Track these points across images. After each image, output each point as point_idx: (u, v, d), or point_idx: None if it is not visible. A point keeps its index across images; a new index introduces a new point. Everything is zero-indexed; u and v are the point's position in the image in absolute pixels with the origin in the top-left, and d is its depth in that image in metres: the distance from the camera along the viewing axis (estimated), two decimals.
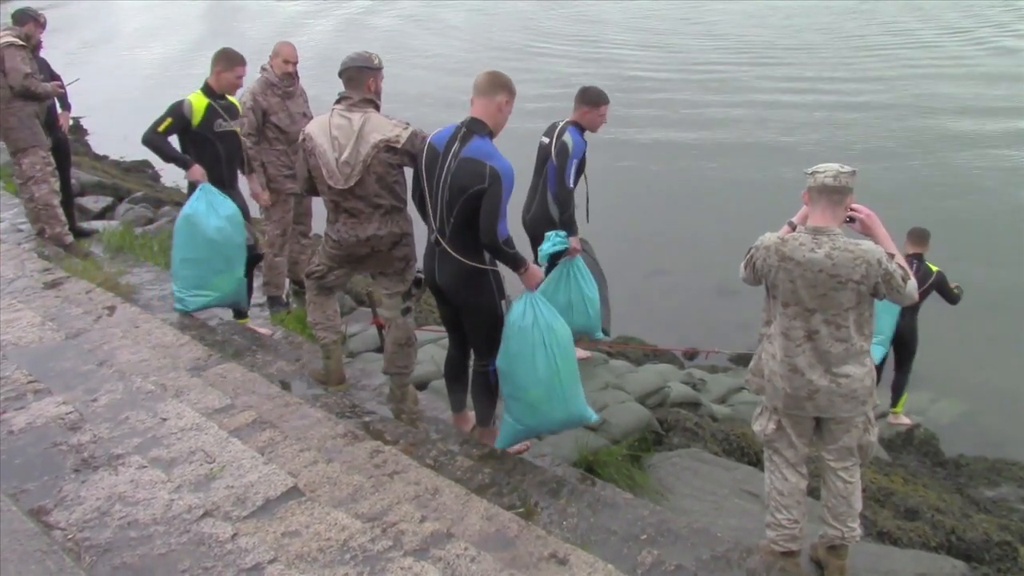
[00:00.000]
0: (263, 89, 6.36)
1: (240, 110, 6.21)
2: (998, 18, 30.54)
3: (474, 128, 4.24)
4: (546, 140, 6.04)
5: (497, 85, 4.29)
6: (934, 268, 7.63)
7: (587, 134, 5.99)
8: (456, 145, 4.23)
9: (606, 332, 6.72)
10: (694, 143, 18.63)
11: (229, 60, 5.93)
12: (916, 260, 7.40)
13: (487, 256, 4.40)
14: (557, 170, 5.87)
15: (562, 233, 5.71)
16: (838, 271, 3.60)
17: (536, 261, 5.19)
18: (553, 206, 6.02)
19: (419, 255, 4.86)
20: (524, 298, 4.43)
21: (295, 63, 6.55)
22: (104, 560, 2.83)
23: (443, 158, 4.27)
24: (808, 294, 3.65)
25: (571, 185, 5.87)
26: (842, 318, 3.68)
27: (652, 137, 18.80)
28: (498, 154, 4.20)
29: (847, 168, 3.71)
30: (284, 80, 6.45)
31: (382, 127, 4.59)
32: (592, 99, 5.94)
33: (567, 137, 5.88)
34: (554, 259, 5.87)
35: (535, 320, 4.35)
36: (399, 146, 4.57)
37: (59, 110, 7.95)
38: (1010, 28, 28.99)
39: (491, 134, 4.29)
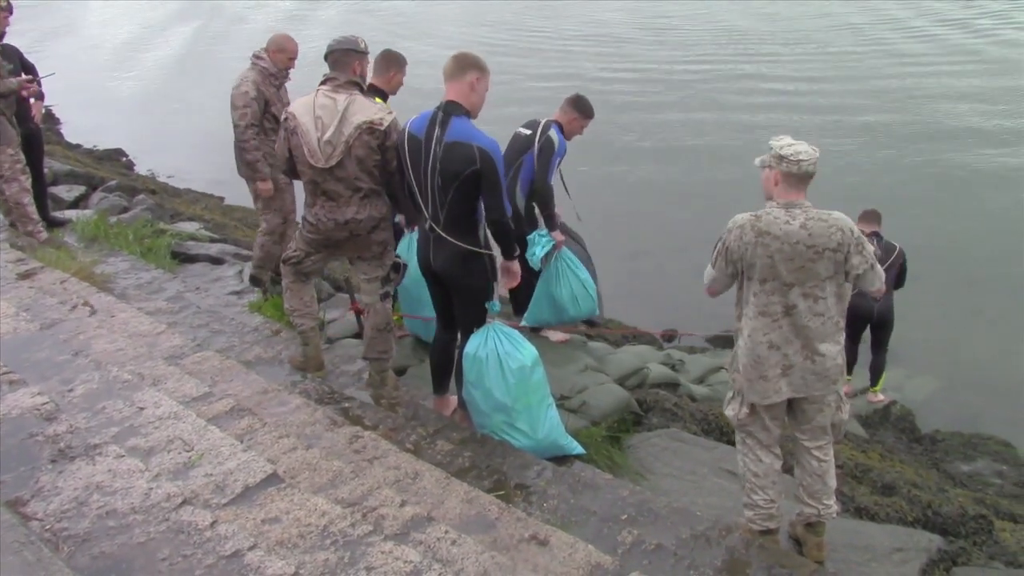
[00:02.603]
0: (263, 79, 6.30)
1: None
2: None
3: (451, 110, 4.24)
4: (527, 132, 6.09)
5: (464, 65, 4.28)
6: (896, 244, 7.71)
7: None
8: (437, 130, 4.22)
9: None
10: (673, 125, 18.67)
11: (400, 62, 5.82)
12: (875, 237, 7.46)
13: (482, 239, 4.43)
14: (539, 165, 5.94)
15: (544, 232, 5.86)
16: (814, 241, 3.63)
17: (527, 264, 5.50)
18: (520, 197, 6.10)
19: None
20: (484, 330, 4.53)
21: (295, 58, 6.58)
22: (83, 550, 2.82)
23: (426, 145, 4.25)
24: (786, 267, 3.66)
25: (551, 182, 5.98)
26: (820, 290, 3.70)
27: (631, 119, 18.80)
28: (480, 132, 4.22)
29: (815, 149, 3.76)
30: (282, 73, 6.41)
31: (366, 109, 4.59)
32: (584, 109, 6.11)
33: (552, 134, 5.98)
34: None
35: (494, 349, 4.45)
36: (382, 128, 4.56)
37: (31, 100, 7.79)
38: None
39: (468, 114, 4.28)
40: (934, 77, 21.37)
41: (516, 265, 4.65)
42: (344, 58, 4.71)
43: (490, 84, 4.42)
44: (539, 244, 6.02)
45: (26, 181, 7.26)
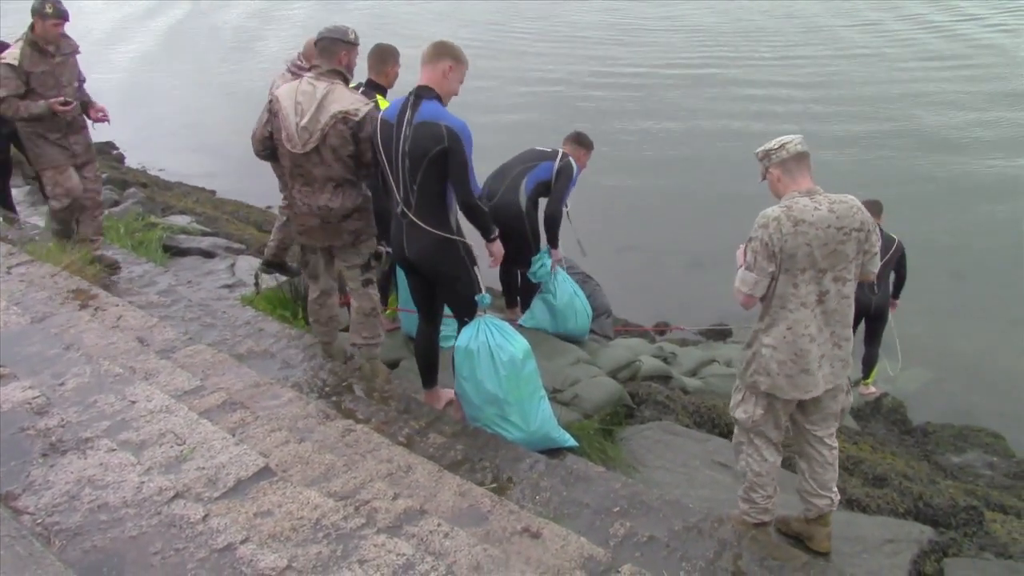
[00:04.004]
0: None
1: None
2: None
3: (422, 94, 4.30)
4: (547, 150, 6.53)
5: (440, 53, 4.33)
6: (895, 236, 7.73)
7: None
8: (408, 113, 4.27)
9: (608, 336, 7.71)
10: (665, 123, 18.74)
11: (394, 55, 5.75)
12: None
13: (454, 225, 4.43)
14: (556, 187, 6.33)
15: (544, 250, 6.37)
16: (843, 223, 3.65)
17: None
18: (524, 193, 6.37)
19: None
20: (475, 323, 4.55)
21: None
22: (74, 544, 2.81)
23: (397, 128, 4.30)
24: (820, 253, 3.65)
25: (565, 207, 6.37)
26: (847, 272, 3.72)
27: (626, 117, 18.89)
28: (448, 113, 4.26)
29: (796, 134, 3.84)
30: None
31: (343, 99, 4.61)
32: (588, 144, 6.66)
33: (572, 161, 6.41)
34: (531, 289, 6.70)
35: (485, 341, 4.48)
36: (356, 119, 4.58)
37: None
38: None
39: (439, 98, 4.32)
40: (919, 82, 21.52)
41: (498, 245, 4.66)
42: (331, 47, 4.74)
43: (465, 77, 4.46)
44: (538, 262, 6.46)
45: (63, 208, 6.67)
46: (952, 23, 28.99)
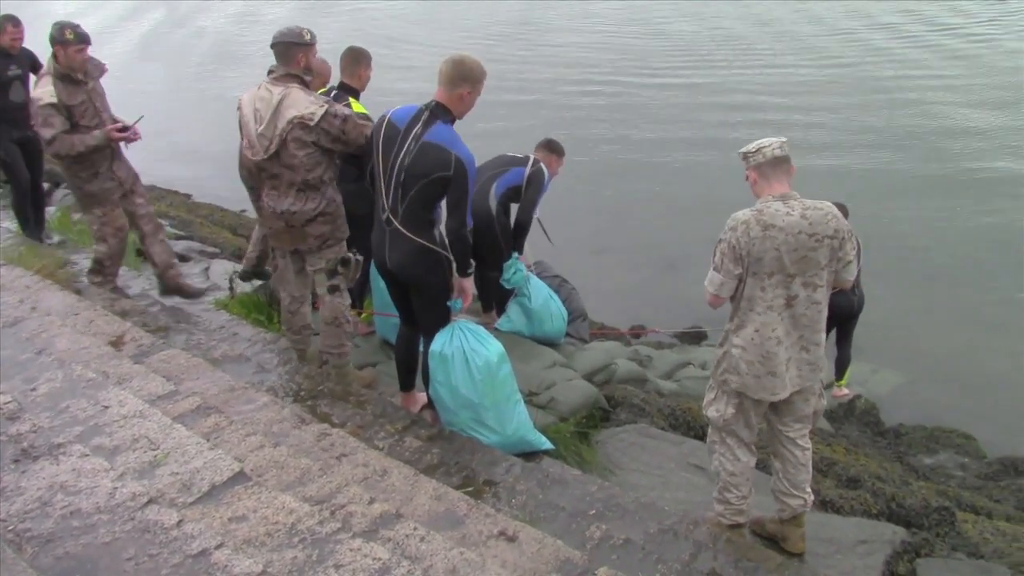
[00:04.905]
0: None
1: None
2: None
3: (437, 113, 4.20)
4: (518, 156, 6.50)
5: (458, 78, 4.19)
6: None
7: None
8: (418, 128, 4.18)
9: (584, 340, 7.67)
10: (638, 125, 18.81)
11: (366, 58, 5.73)
12: None
13: (438, 237, 4.38)
14: (528, 194, 6.33)
15: (513, 258, 6.40)
16: (815, 229, 3.66)
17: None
18: (494, 197, 6.35)
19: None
20: (449, 328, 4.53)
21: None
22: (46, 550, 2.78)
23: (403, 138, 4.21)
24: (790, 258, 3.67)
25: (536, 213, 6.42)
26: (818, 278, 3.73)
27: (599, 119, 18.95)
28: (460, 142, 4.18)
29: (779, 138, 3.84)
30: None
31: (299, 103, 4.57)
32: (560, 150, 6.64)
33: (543, 167, 6.39)
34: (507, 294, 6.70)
35: (460, 346, 4.46)
36: (312, 124, 4.54)
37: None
38: None
39: (454, 120, 4.26)
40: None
41: (470, 282, 4.56)
42: (288, 51, 4.68)
43: (482, 90, 4.34)
44: (510, 268, 6.46)
45: (117, 245, 6.35)
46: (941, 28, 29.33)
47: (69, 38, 5.78)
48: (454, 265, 4.43)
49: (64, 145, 5.77)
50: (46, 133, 5.72)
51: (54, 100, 5.72)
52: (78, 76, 5.87)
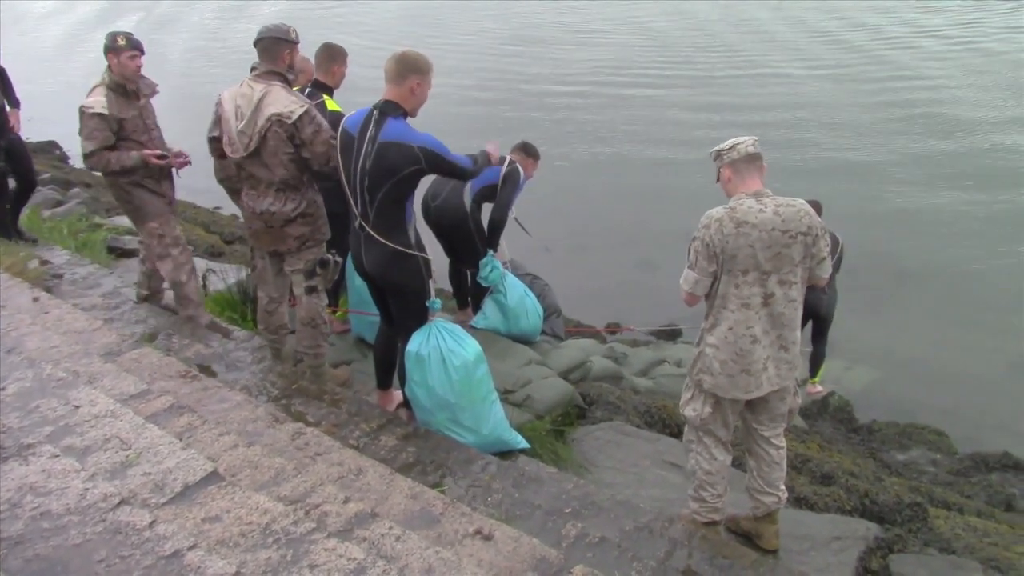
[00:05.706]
0: None
1: None
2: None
3: (387, 111, 4.17)
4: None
5: (405, 71, 4.17)
6: (839, 237, 7.87)
7: None
8: (372, 129, 4.16)
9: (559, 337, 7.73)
10: (613, 125, 18.85)
11: (342, 55, 5.66)
12: None
13: (413, 239, 4.36)
14: (503, 193, 6.40)
15: (489, 255, 6.41)
16: (788, 226, 3.67)
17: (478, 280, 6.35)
18: (469, 195, 6.42)
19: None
20: (426, 328, 4.51)
21: None
22: (16, 552, 2.75)
23: (359, 143, 4.19)
24: (764, 255, 3.67)
25: (512, 212, 6.49)
26: (793, 275, 3.73)
27: (578, 119, 18.98)
28: (415, 131, 4.16)
29: (751, 136, 3.86)
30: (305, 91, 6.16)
31: (279, 101, 4.53)
32: (535, 153, 6.73)
33: (518, 167, 6.45)
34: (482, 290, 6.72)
35: (436, 346, 4.44)
36: (289, 122, 4.51)
37: (7, 108, 7.38)
38: None
39: (406, 114, 4.22)
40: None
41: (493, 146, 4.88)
42: (272, 47, 4.64)
43: (432, 82, 4.31)
44: (487, 266, 6.48)
45: (180, 255, 5.98)
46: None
47: (121, 44, 5.59)
48: (431, 264, 4.45)
49: (101, 161, 5.61)
50: (87, 146, 5.56)
51: (104, 111, 5.54)
52: (131, 87, 5.68)
